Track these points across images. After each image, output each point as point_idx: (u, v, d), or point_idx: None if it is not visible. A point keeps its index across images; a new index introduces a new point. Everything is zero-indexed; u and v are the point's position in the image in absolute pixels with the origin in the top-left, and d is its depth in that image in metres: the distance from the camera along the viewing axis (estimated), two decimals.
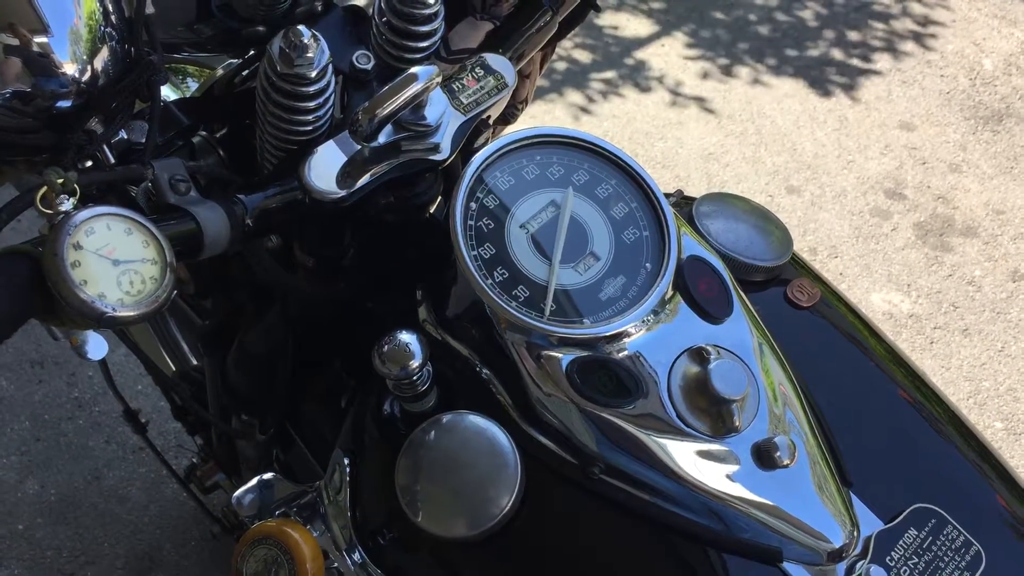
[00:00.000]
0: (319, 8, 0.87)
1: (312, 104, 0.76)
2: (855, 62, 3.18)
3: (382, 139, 0.77)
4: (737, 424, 0.74)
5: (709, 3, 3.34)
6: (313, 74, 0.74)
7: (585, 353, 0.74)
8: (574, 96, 2.95)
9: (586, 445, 0.75)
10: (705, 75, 3.08)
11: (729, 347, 0.77)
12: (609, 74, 3.04)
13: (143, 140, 0.77)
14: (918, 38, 3.29)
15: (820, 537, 0.75)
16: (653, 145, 2.84)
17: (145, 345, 1.36)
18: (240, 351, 0.99)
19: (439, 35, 0.84)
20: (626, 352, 0.75)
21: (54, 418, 2.09)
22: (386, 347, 0.73)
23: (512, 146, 0.81)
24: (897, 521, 0.78)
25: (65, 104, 0.71)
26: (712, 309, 0.79)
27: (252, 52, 0.91)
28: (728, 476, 0.74)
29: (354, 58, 0.82)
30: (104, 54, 0.72)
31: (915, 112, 3.02)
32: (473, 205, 0.78)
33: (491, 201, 0.79)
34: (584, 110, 2.92)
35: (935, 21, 3.36)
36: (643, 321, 0.76)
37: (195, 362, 1.35)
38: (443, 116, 0.79)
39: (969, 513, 0.80)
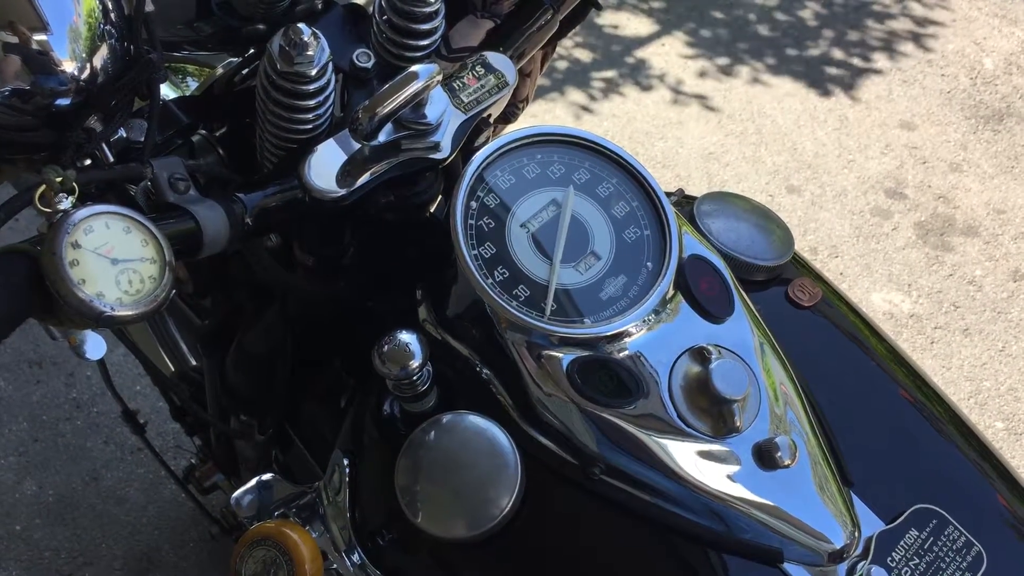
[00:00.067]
0: (319, 6, 0.87)
1: (312, 102, 0.76)
2: (855, 61, 3.18)
3: (382, 138, 0.77)
4: (738, 424, 0.74)
5: (709, 2, 3.34)
6: (313, 72, 0.74)
7: (586, 353, 0.74)
8: (575, 95, 2.95)
9: (586, 445, 0.75)
10: (705, 74, 3.08)
11: (730, 347, 0.77)
12: (609, 73, 3.04)
13: (142, 139, 0.77)
14: (918, 37, 3.28)
15: (821, 538, 0.75)
16: (653, 144, 2.84)
17: (143, 345, 1.36)
18: (239, 351, 0.99)
19: (439, 33, 0.83)
20: (627, 352, 0.75)
21: (52, 419, 2.09)
22: (386, 347, 0.73)
23: (513, 145, 0.81)
24: (898, 522, 0.78)
25: (64, 102, 0.71)
26: (713, 308, 0.78)
27: (252, 50, 0.90)
28: (729, 476, 0.74)
29: (354, 56, 0.82)
30: (103, 52, 0.72)
31: (916, 111, 3.02)
32: (474, 204, 0.78)
33: (492, 200, 0.78)
34: (585, 109, 2.91)
35: (935, 21, 3.36)
36: (644, 321, 0.75)
37: (194, 362, 1.35)
38: (444, 115, 0.79)
39: (970, 514, 0.80)
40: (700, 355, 0.75)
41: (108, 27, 0.72)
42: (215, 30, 0.87)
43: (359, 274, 0.88)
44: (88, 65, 0.71)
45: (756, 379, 0.77)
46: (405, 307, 0.83)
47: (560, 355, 0.74)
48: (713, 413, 0.74)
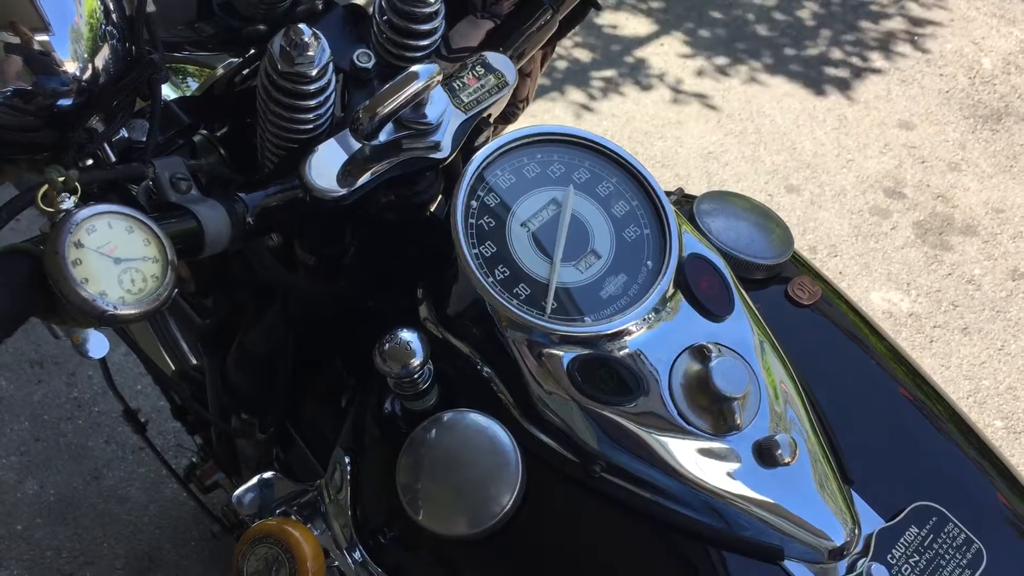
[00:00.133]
0: (320, 6, 0.88)
1: (313, 103, 0.76)
2: (854, 61, 3.18)
3: (383, 137, 0.77)
4: (738, 422, 0.74)
5: (708, 2, 3.34)
6: (314, 72, 0.74)
7: (586, 351, 0.74)
8: (574, 94, 2.96)
9: (587, 443, 0.75)
10: (704, 74, 3.08)
11: (730, 345, 0.77)
12: (609, 73, 3.05)
13: (144, 139, 0.77)
14: (916, 37, 3.29)
15: (821, 535, 0.75)
16: (653, 144, 2.84)
17: (145, 344, 1.36)
18: (240, 350, 0.99)
19: (440, 33, 0.84)
20: (627, 350, 0.75)
21: (53, 418, 2.09)
22: (387, 345, 0.73)
23: (513, 144, 0.81)
24: (898, 519, 0.78)
25: (66, 102, 0.71)
26: (713, 307, 0.79)
27: (253, 51, 0.91)
28: (729, 474, 0.74)
29: (355, 56, 0.82)
30: (105, 52, 0.72)
31: (914, 111, 3.02)
32: (474, 203, 0.78)
33: (492, 199, 0.79)
34: (584, 108, 2.92)
35: (933, 21, 3.36)
36: (644, 319, 0.76)
37: (195, 361, 1.35)
38: (444, 114, 0.79)
39: (970, 511, 0.80)
40: (700, 353, 0.75)
41: (110, 27, 0.72)
42: (216, 31, 0.87)
43: (360, 273, 0.88)
44: (90, 65, 0.71)
45: (756, 377, 0.77)
46: (406, 306, 0.83)
47: (560, 353, 0.74)
48: (713, 411, 0.74)
